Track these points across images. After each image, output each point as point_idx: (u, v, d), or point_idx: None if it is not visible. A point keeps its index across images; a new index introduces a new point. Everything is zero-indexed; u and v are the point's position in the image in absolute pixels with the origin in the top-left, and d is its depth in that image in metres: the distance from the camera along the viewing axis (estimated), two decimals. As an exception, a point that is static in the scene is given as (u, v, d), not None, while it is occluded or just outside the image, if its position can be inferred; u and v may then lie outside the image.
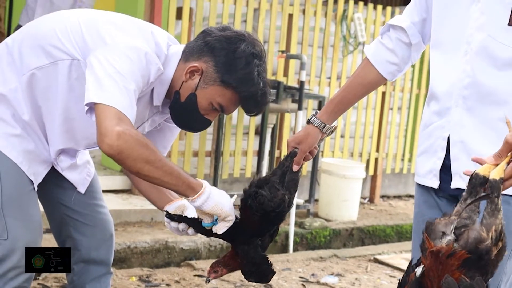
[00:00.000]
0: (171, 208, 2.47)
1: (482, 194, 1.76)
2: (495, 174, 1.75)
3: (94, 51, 2.21)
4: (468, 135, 2.03)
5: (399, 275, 4.77)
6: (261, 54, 2.32)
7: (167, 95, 2.38)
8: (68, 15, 2.42)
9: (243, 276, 2.43)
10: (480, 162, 1.77)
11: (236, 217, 2.34)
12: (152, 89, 2.36)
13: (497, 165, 1.76)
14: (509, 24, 1.95)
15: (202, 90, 2.29)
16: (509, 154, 1.75)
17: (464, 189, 1.94)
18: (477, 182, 1.76)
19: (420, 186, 2.20)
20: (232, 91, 2.29)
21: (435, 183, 2.11)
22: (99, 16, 2.37)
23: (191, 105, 2.32)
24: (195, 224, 2.37)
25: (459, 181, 2.02)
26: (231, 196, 2.32)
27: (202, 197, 2.15)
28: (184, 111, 2.36)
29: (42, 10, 5.37)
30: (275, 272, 2.43)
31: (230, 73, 2.26)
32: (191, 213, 2.39)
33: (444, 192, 2.10)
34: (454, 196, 2.05)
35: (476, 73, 2.01)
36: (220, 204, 2.18)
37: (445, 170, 2.08)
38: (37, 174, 2.41)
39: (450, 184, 2.06)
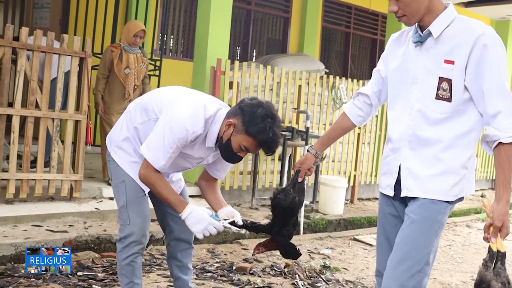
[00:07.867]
0: (222, 213, 2.41)
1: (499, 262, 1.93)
2: (500, 247, 1.92)
3: (162, 116, 2.29)
4: (412, 164, 2.02)
5: (369, 248, 4.76)
6: (273, 116, 2.23)
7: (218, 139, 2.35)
8: (160, 91, 2.47)
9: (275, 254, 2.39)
10: (487, 239, 1.92)
11: (270, 220, 2.37)
12: (206, 136, 2.33)
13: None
14: (436, 98, 1.96)
15: (234, 137, 2.25)
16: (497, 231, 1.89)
17: (408, 197, 2.04)
18: (493, 253, 1.92)
19: (382, 194, 2.19)
20: (253, 138, 2.22)
21: (391, 193, 2.10)
22: (174, 93, 2.38)
23: (228, 146, 2.28)
24: (249, 228, 2.36)
25: (405, 192, 2.04)
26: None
27: (183, 216, 2.24)
28: (225, 150, 2.30)
29: None
30: (301, 254, 2.39)
31: (251, 126, 2.21)
32: (238, 217, 2.36)
33: (396, 197, 2.11)
34: (403, 199, 2.08)
35: (415, 127, 2.01)
36: (191, 225, 2.25)
37: (397, 185, 2.07)
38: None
39: (400, 193, 2.05)
